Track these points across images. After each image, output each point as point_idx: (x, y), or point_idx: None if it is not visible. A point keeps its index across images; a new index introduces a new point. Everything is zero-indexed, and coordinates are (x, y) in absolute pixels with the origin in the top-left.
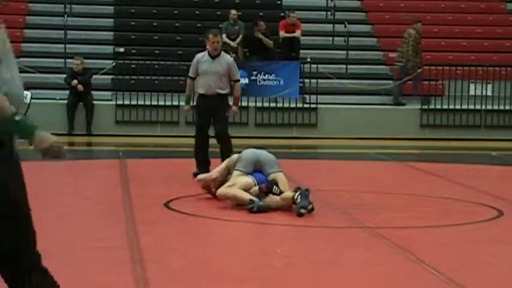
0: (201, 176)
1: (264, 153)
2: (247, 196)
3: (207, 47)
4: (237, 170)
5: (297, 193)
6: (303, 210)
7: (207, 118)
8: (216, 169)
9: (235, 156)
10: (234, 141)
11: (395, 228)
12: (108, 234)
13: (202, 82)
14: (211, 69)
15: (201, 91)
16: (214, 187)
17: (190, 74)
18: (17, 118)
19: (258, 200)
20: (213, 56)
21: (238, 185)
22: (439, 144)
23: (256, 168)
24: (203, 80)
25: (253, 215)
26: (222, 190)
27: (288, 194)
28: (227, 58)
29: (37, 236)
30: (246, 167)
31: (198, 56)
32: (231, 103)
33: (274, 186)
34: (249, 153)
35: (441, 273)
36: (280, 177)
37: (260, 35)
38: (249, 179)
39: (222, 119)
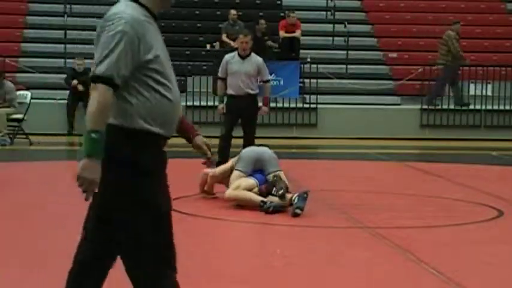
0: (206, 170)
1: (265, 152)
2: (258, 198)
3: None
4: (237, 170)
5: (295, 194)
6: (298, 211)
7: (235, 118)
8: (221, 167)
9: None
10: (234, 141)
11: (395, 228)
12: None
13: (232, 83)
14: (241, 69)
15: (231, 92)
16: (209, 185)
17: (219, 75)
18: (95, 136)
19: (268, 201)
20: (243, 56)
21: (242, 186)
22: (439, 144)
23: (256, 167)
24: (233, 80)
25: (252, 215)
26: (232, 192)
27: (287, 196)
28: (257, 59)
29: (36, 237)
30: (245, 167)
31: (227, 56)
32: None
33: (274, 188)
34: (249, 152)
35: (441, 273)
36: (281, 176)
37: (270, 43)
38: (251, 181)
39: (252, 120)
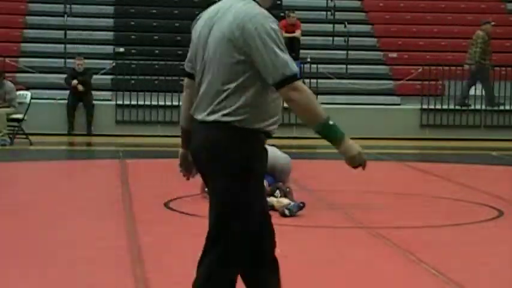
0: None
1: (282, 162)
2: None
3: None
4: None
5: (292, 203)
6: (286, 212)
7: None
8: None
9: None
10: None
11: (395, 228)
12: (108, 234)
13: None
14: None
15: None
16: None
17: None
18: (331, 122)
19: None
20: None
21: None
22: (439, 144)
23: (268, 172)
24: None
25: None
26: None
27: (285, 201)
28: None
29: (36, 237)
30: None
31: None
32: None
33: (277, 190)
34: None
35: (441, 273)
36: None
37: None
38: None
39: None
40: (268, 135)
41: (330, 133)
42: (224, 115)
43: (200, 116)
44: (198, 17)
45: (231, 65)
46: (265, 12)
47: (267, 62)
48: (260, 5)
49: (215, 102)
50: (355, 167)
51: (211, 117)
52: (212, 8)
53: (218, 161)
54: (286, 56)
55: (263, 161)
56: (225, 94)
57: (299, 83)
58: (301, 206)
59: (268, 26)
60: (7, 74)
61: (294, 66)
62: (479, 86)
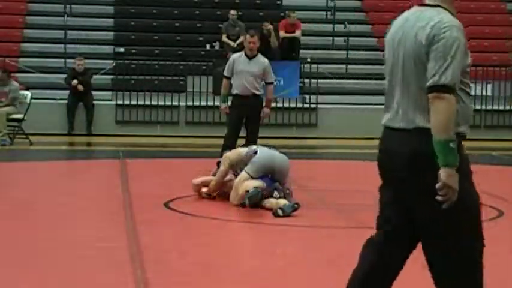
0: (196, 180)
1: (279, 162)
2: (249, 187)
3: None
4: (246, 172)
5: (287, 203)
6: (280, 212)
7: (240, 118)
8: (222, 170)
9: (252, 149)
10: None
11: None
12: (108, 234)
13: (237, 82)
14: (247, 69)
15: (236, 91)
16: (215, 188)
17: (225, 74)
18: (452, 145)
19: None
20: (250, 57)
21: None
22: None
23: (266, 173)
24: (239, 80)
25: (252, 215)
26: (234, 197)
27: (282, 202)
28: (263, 60)
29: (36, 237)
30: (257, 172)
31: (235, 55)
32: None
33: (275, 192)
34: (264, 158)
35: None
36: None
37: (271, 32)
38: (259, 183)
39: (255, 119)
40: (464, 137)
41: (442, 152)
42: (425, 122)
43: (398, 124)
44: (388, 28)
45: (424, 71)
46: (455, 20)
47: (436, 66)
48: (451, 12)
49: (415, 109)
50: (441, 196)
51: (413, 125)
52: (401, 17)
53: (418, 166)
54: (455, 68)
55: (468, 166)
56: (422, 101)
57: (451, 96)
58: (295, 207)
59: (454, 35)
60: None
61: (454, 78)
62: (479, 86)
